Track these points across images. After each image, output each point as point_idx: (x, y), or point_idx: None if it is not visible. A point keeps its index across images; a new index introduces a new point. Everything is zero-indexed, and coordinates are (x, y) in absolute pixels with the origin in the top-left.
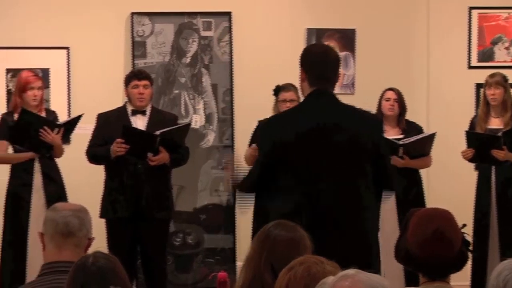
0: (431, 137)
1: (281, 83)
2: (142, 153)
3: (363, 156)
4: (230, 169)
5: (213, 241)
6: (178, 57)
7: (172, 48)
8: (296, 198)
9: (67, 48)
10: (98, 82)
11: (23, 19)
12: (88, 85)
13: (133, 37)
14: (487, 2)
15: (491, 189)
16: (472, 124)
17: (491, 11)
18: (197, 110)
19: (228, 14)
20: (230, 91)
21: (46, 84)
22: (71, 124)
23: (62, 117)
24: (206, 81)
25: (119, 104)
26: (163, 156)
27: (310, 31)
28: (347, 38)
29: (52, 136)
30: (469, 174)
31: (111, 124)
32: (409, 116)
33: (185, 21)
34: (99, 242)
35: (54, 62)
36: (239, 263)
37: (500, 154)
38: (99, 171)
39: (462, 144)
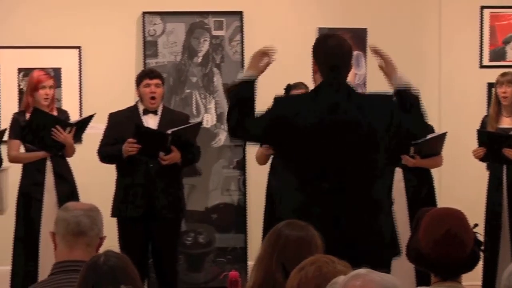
0: (442, 136)
1: (292, 82)
2: (153, 152)
3: (376, 136)
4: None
5: (225, 241)
6: (189, 56)
7: (184, 47)
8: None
9: (78, 47)
10: (109, 82)
11: (35, 19)
12: (100, 85)
13: (144, 36)
14: (499, 1)
15: (503, 189)
16: (484, 123)
17: (503, 11)
18: (209, 110)
19: (239, 14)
20: None
21: (57, 84)
22: (83, 123)
23: (74, 117)
24: (218, 80)
25: (131, 103)
26: (175, 155)
27: (321, 31)
28: (358, 37)
29: (64, 136)
30: (481, 173)
31: (122, 123)
32: None
33: (196, 21)
34: (111, 241)
35: (65, 61)
36: (251, 263)
37: (511, 153)
38: (111, 170)
39: (474, 144)
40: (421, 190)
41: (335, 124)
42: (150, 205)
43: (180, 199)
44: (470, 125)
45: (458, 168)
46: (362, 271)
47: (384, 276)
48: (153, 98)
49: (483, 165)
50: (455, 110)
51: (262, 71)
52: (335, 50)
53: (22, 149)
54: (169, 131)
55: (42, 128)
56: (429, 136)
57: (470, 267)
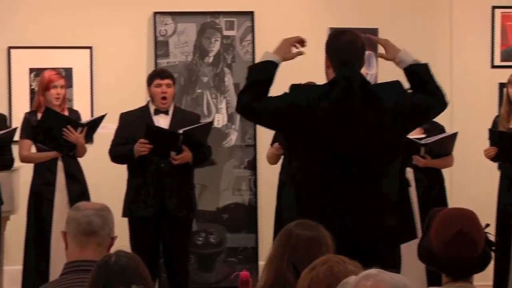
0: (453, 136)
1: (303, 82)
2: (165, 152)
3: (390, 123)
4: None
5: (236, 240)
6: (200, 56)
7: (195, 47)
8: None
9: (90, 47)
10: (121, 82)
11: (46, 19)
12: (111, 85)
13: (155, 36)
14: (510, 1)
15: None
16: (495, 123)
17: None
18: (220, 110)
19: (250, 14)
20: None
21: (69, 84)
22: (94, 123)
23: (85, 117)
24: (229, 80)
25: (142, 103)
26: (186, 155)
27: (332, 31)
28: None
29: (75, 135)
30: (492, 173)
31: (134, 123)
32: None
33: (207, 21)
34: (122, 241)
35: (77, 61)
36: (261, 263)
37: None
38: (122, 170)
39: (485, 144)
40: (432, 190)
41: (349, 112)
42: (161, 205)
43: (191, 198)
44: (482, 125)
45: (469, 168)
46: (373, 271)
47: (395, 276)
48: (164, 98)
49: (495, 165)
50: (466, 110)
51: (287, 59)
52: (347, 45)
53: (33, 149)
54: (181, 131)
55: (54, 128)
56: (440, 136)
57: (481, 267)
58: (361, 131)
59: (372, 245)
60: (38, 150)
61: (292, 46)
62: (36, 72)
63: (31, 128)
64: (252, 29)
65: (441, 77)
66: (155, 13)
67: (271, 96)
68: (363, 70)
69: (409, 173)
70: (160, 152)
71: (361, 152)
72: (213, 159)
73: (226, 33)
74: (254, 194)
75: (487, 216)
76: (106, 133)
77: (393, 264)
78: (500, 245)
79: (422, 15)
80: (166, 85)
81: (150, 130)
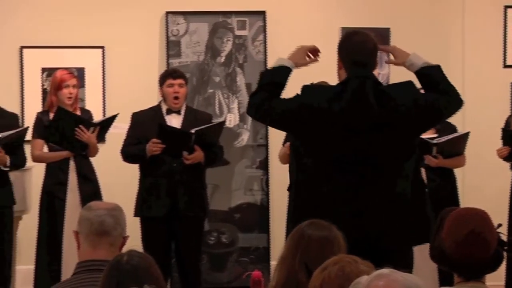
0: (465, 136)
1: (315, 81)
2: (177, 151)
3: (402, 124)
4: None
5: (247, 240)
6: (212, 56)
7: (207, 47)
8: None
9: (102, 47)
10: (133, 81)
11: (58, 19)
12: (123, 84)
13: (167, 36)
14: None
15: None
16: (508, 123)
17: None
18: (232, 109)
19: (262, 13)
20: None
21: (81, 83)
22: (106, 123)
23: (97, 116)
24: (241, 80)
25: (154, 103)
26: (198, 155)
27: (344, 30)
28: (381, 37)
29: (87, 135)
30: (505, 173)
31: (146, 123)
32: None
33: (219, 20)
34: (134, 240)
35: (89, 61)
36: (273, 262)
37: None
38: (134, 170)
39: (497, 143)
40: (444, 190)
41: (361, 113)
42: (173, 204)
43: (203, 198)
44: (494, 125)
45: (481, 168)
46: (385, 271)
47: (407, 276)
48: (176, 98)
49: (507, 164)
50: (478, 110)
51: (301, 66)
52: (359, 45)
53: (45, 149)
54: (193, 130)
55: (66, 128)
56: (452, 135)
57: (493, 267)
58: (374, 131)
59: (385, 245)
60: (50, 149)
61: (306, 54)
62: (49, 72)
63: (43, 127)
64: (264, 29)
65: (453, 77)
66: (167, 13)
67: (282, 98)
68: (375, 71)
69: (421, 172)
70: (173, 152)
71: (374, 152)
72: (226, 159)
73: (238, 32)
74: (266, 194)
75: (500, 216)
76: (118, 133)
77: (405, 264)
78: None
79: (434, 15)
80: (179, 85)
81: (162, 130)
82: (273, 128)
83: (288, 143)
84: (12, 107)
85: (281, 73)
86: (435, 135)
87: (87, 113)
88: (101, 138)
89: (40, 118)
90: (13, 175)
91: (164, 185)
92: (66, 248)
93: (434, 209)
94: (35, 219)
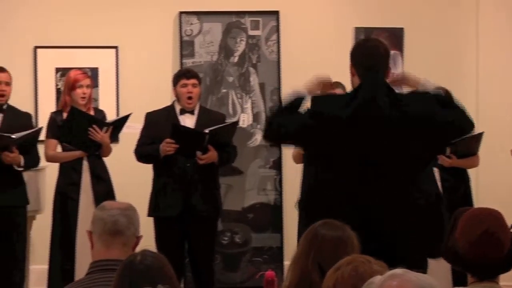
0: (479, 136)
1: None
2: (191, 151)
3: (417, 132)
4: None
5: (261, 240)
6: (226, 56)
7: (220, 47)
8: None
9: (115, 47)
10: (146, 81)
11: (72, 19)
12: (137, 84)
13: (181, 36)
14: None
15: None
16: None
17: None
18: (245, 109)
19: (276, 13)
20: (278, 90)
21: (95, 83)
22: (120, 123)
23: (111, 116)
24: (254, 80)
25: (167, 103)
26: (212, 155)
27: (358, 30)
28: (395, 37)
29: (101, 135)
30: None
31: (159, 123)
32: None
33: (233, 20)
34: (147, 240)
35: (103, 61)
36: (287, 262)
37: None
38: (147, 170)
39: (511, 144)
40: (458, 190)
41: (374, 119)
42: (186, 204)
43: (217, 198)
44: (508, 125)
45: (495, 168)
46: (398, 271)
47: (421, 276)
48: (190, 98)
49: None
50: (492, 110)
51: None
52: (370, 49)
53: (59, 149)
54: (206, 130)
55: (79, 128)
56: (466, 135)
57: (507, 267)
58: (384, 139)
59: (398, 253)
60: (64, 149)
61: (320, 87)
62: (62, 72)
63: (57, 127)
64: (277, 29)
65: (467, 76)
66: (181, 13)
67: (295, 116)
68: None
69: (435, 173)
70: (186, 152)
71: (385, 160)
72: (238, 168)
73: (251, 32)
74: (279, 193)
75: None
76: (131, 133)
77: (419, 264)
78: None
79: (448, 15)
80: (192, 85)
81: (176, 130)
82: None
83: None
84: (26, 107)
85: (297, 101)
86: None
87: (100, 113)
88: (114, 138)
89: (53, 118)
90: (26, 175)
91: (177, 185)
92: (79, 248)
93: (448, 209)
94: (48, 219)
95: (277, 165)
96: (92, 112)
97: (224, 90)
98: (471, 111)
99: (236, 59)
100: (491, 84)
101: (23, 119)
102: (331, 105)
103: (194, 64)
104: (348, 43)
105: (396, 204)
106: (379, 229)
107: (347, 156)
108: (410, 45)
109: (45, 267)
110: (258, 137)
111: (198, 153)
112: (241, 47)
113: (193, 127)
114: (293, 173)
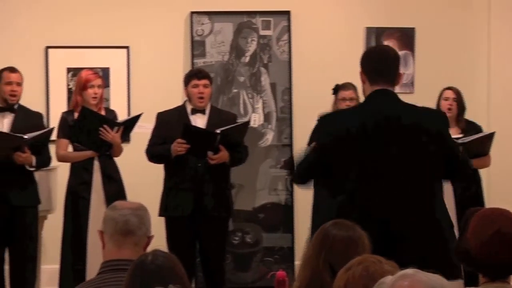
0: (490, 136)
1: (340, 82)
2: (202, 151)
3: (431, 152)
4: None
5: (272, 240)
6: (237, 56)
7: (231, 47)
8: (356, 196)
9: (127, 47)
10: (157, 81)
11: (83, 19)
12: (148, 84)
13: (192, 36)
14: None
15: None
16: None
17: None
18: (256, 109)
19: (287, 13)
20: (289, 90)
21: (106, 83)
22: (131, 123)
23: (122, 116)
24: (265, 80)
25: (179, 103)
26: (223, 155)
27: (369, 30)
28: (406, 36)
29: (111, 135)
30: None
31: (170, 123)
32: (469, 115)
33: (244, 20)
34: (158, 240)
35: (114, 61)
36: (298, 262)
37: None
38: (158, 169)
39: None
40: (469, 190)
41: (383, 128)
42: (198, 204)
43: (228, 198)
44: None
45: (506, 168)
46: (409, 271)
47: (432, 276)
48: (201, 98)
49: None
50: (504, 110)
51: None
52: (379, 54)
53: (70, 148)
54: (218, 130)
55: (90, 128)
56: (477, 135)
57: None
58: (394, 152)
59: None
60: (75, 149)
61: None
62: (74, 72)
63: (68, 127)
64: (288, 29)
65: (478, 77)
66: (192, 13)
67: (305, 159)
68: (401, 72)
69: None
70: (198, 152)
71: (396, 174)
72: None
73: (262, 32)
74: (290, 193)
75: None
76: (142, 132)
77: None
78: None
79: (460, 14)
80: (203, 86)
81: (187, 130)
82: (298, 128)
83: (313, 144)
84: (38, 107)
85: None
86: (460, 135)
87: (111, 113)
88: (125, 137)
89: (65, 118)
90: (38, 175)
91: (189, 185)
92: (90, 247)
93: (459, 210)
94: (60, 218)
95: (288, 165)
96: (103, 112)
97: (235, 90)
98: (483, 111)
99: (247, 59)
100: (503, 84)
101: (34, 119)
102: (341, 121)
103: (205, 64)
104: (359, 43)
105: (415, 217)
106: (400, 243)
107: (363, 170)
108: (421, 45)
109: (56, 267)
110: (269, 137)
111: (210, 153)
112: (252, 47)
113: (204, 127)
114: None
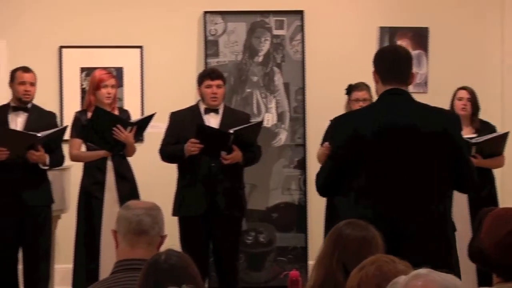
0: (504, 136)
1: (353, 82)
2: (216, 151)
3: (441, 153)
4: None
5: (285, 240)
6: (250, 56)
7: (245, 47)
8: (371, 199)
9: (140, 47)
10: (171, 81)
11: (97, 19)
12: (161, 84)
13: (205, 36)
14: None
15: None
16: None
17: None
18: (269, 109)
19: (300, 13)
20: (302, 90)
21: (119, 83)
22: (144, 122)
23: (135, 116)
24: (278, 79)
25: (192, 102)
26: (237, 155)
27: (382, 30)
28: (420, 36)
29: (125, 135)
30: None
31: (184, 122)
32: (483, 115)
33: (257, 20)
34: (172, 240)
35: (127, 61)
36: (311, 262)
37: None
38: (172, 169)
39: None
40: (483, 190)
41: (397, 129)
42: (211, 204)
43: (241, 198)
44: None
45: None
46: (423, 271)
47: (445, 276)
48: (214, 98)
49: None
50: None
51: None
52: (391, 53)
53: (83, 148)
54: (231, 130)
55: (103, 127)
56: (491, 135)
57: None
58: (405, 152)
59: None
60: (88, 149)
61: None
62: (87, 72)
63: (81, 127)
64: (302, 28)
65: (492, 76)
66: (205, 13)
67: (329, 164)
68: (414, 71)
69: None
70: (211, 152)
71: (407, 175)
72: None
73: (276, 32)
74: (304, 193)
75: None
76: (156, 132)
77: (451, 265)
78: None
79: (473, 14)
80: (217, 86)
81: (201, 130)
82: (311, 128)
83: (326, 143)
84: (51, 107)
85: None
86: (474, 135)
87: (125, 113)
88: (138, 137)
89: (78, 118)
90: (51, 174)
91: (202, 185)
92: (104, 247)
93: (473, 210)
94: (73, 218)
95: (302, 165)
96: (116, 112)
97: (249, 90)
98: (497, 111)
99: (260, 59)
100: None
101: (48, 119)
102: (353, 122)
103: (219, 63)
104: (372, 42)
105: (424, 216)
106: (404, 242)
107: (374, 169)
108: (435, 44)
109: (69, 266)
110: (282, 137)
111: (223, 153)
112: (265, 46)
113: (218, 127)
114: None
